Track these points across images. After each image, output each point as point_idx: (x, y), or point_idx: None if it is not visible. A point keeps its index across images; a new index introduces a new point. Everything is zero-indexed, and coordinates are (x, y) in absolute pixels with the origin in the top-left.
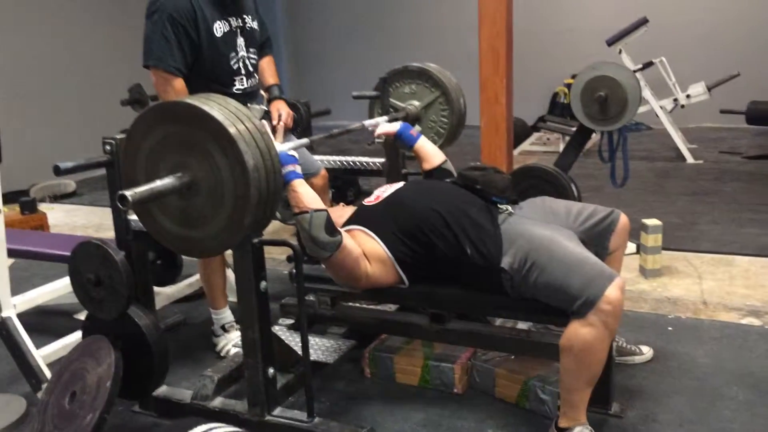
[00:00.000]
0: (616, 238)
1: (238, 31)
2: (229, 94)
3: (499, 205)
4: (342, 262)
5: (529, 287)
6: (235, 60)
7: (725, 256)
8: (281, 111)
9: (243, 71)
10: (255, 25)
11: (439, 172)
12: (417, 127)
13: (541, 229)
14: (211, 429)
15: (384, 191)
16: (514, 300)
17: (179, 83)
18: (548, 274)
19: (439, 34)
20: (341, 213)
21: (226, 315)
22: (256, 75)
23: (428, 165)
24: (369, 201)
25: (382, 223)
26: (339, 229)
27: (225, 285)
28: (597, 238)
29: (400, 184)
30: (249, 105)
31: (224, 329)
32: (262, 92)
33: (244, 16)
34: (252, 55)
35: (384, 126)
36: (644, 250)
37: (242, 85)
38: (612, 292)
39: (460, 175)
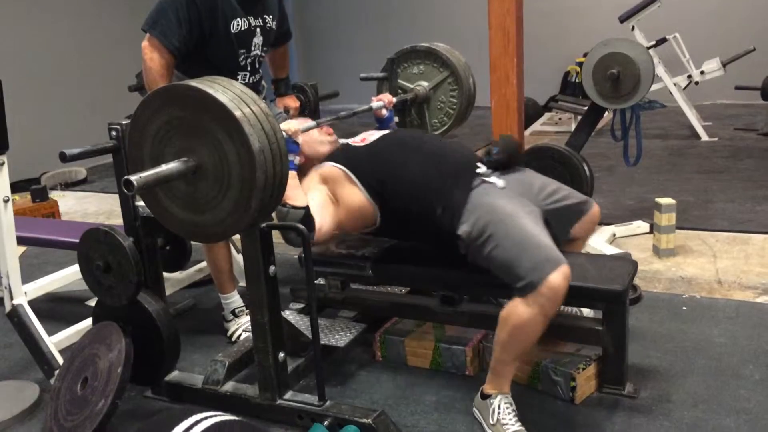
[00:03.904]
0: (581, 225)
1: (258, 30)
2: None
3: (478, 167)
4: (316, 244)
5: (482, 257)
6: (244, 57)
7: (740, 235)
8: (289, 107)
9: (249, 68)
10: (274, 24)
11: None
12: (396, 119)
13: (505, 202)
14: (200, 420)
15: (371, 135)
16: None
17: (169, 58)
18: (501, 250)
19: (449, 14)
20: (323, 141)
21: (236, 299)
22: (260, 71)
23: None
24: (355, 141)
25: (364, 167)
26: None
27: (231, 269)
28: (561, 221)
29: (387, 131)
30: None
31: (234, 314)
32: (264, 83)
33: (266, 17)
34: (263, 54)
35: (377, 105)
36: (658, 230)
37: (244, 80)
38: (555, 278)
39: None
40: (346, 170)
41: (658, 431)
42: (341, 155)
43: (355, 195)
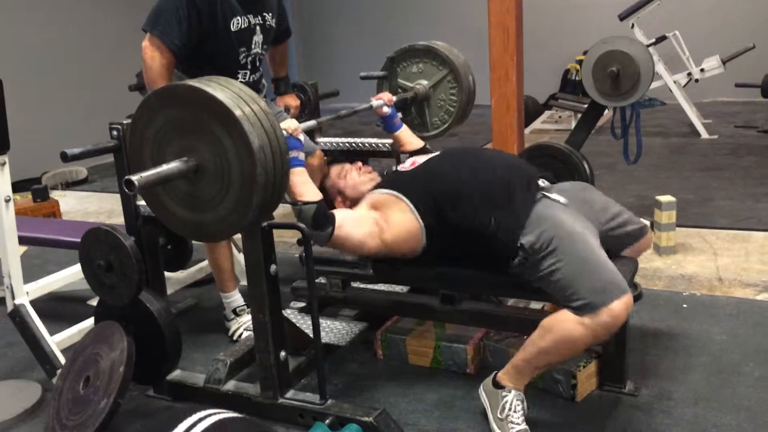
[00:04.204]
0: (632, 250)
1: (257, 28)
2: None
3: (537, 180)
4: (339, 246)
5: (539, 271)
6: (244, 55)
7: (741, 232)
8: (290, 106)
9: (249, 66)
10: (274, 22)
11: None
12: (400, 115)
13: (572, 220)
14: (203, 417)
15: (420, 158)
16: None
17: (170, 57)
18: (564, 266)
19: (449, 13)
20: (364, 181)
21: (237, 298)
22: (261, 69)
23: (409, 148)
24: (404, 167)
25: (416, 188)
26: (334, 215)
27: (233, 268)
28: (617, 246)
29: (436, 152)
30: None
31: (236, 313)
32: (264, 82)
33: (265, 14)
34: (263, 52)
35: (377, 104)
36: (658, 227)
37: (245, 79)
38: (617, 306)
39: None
40: (395, 192)
41: (658, 429)
42: (390, 182)
43: (405, 215)
